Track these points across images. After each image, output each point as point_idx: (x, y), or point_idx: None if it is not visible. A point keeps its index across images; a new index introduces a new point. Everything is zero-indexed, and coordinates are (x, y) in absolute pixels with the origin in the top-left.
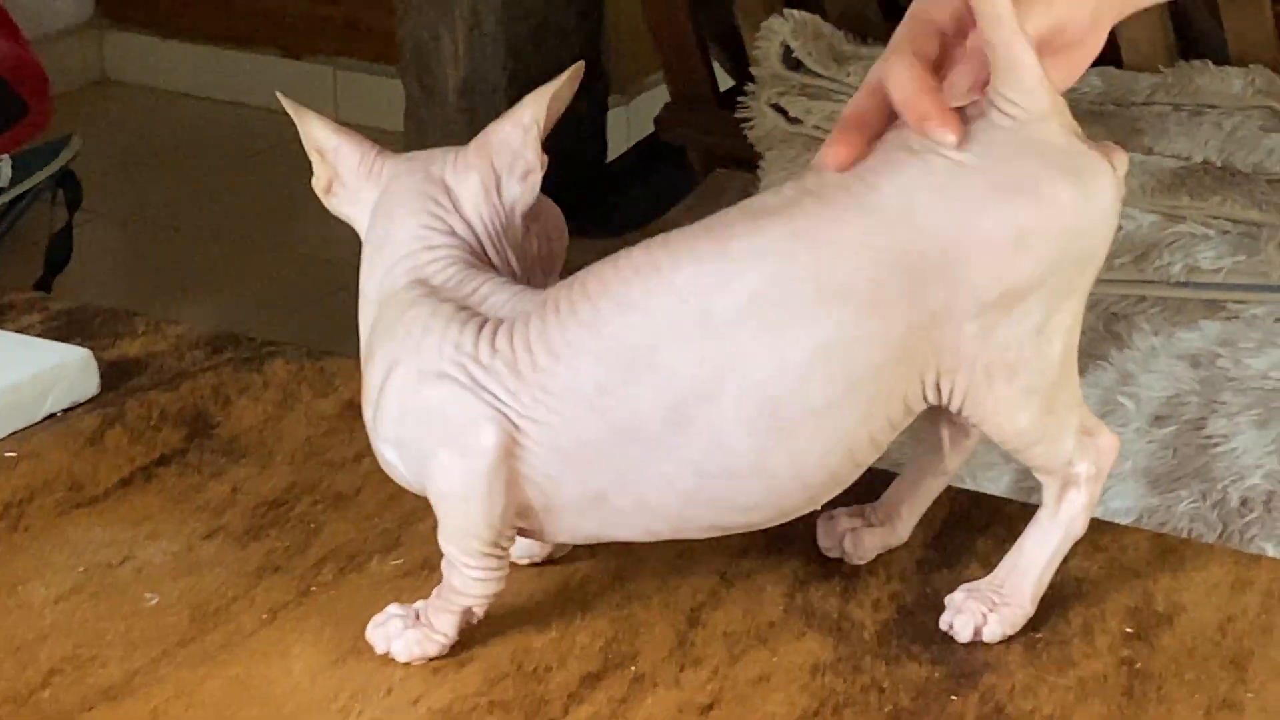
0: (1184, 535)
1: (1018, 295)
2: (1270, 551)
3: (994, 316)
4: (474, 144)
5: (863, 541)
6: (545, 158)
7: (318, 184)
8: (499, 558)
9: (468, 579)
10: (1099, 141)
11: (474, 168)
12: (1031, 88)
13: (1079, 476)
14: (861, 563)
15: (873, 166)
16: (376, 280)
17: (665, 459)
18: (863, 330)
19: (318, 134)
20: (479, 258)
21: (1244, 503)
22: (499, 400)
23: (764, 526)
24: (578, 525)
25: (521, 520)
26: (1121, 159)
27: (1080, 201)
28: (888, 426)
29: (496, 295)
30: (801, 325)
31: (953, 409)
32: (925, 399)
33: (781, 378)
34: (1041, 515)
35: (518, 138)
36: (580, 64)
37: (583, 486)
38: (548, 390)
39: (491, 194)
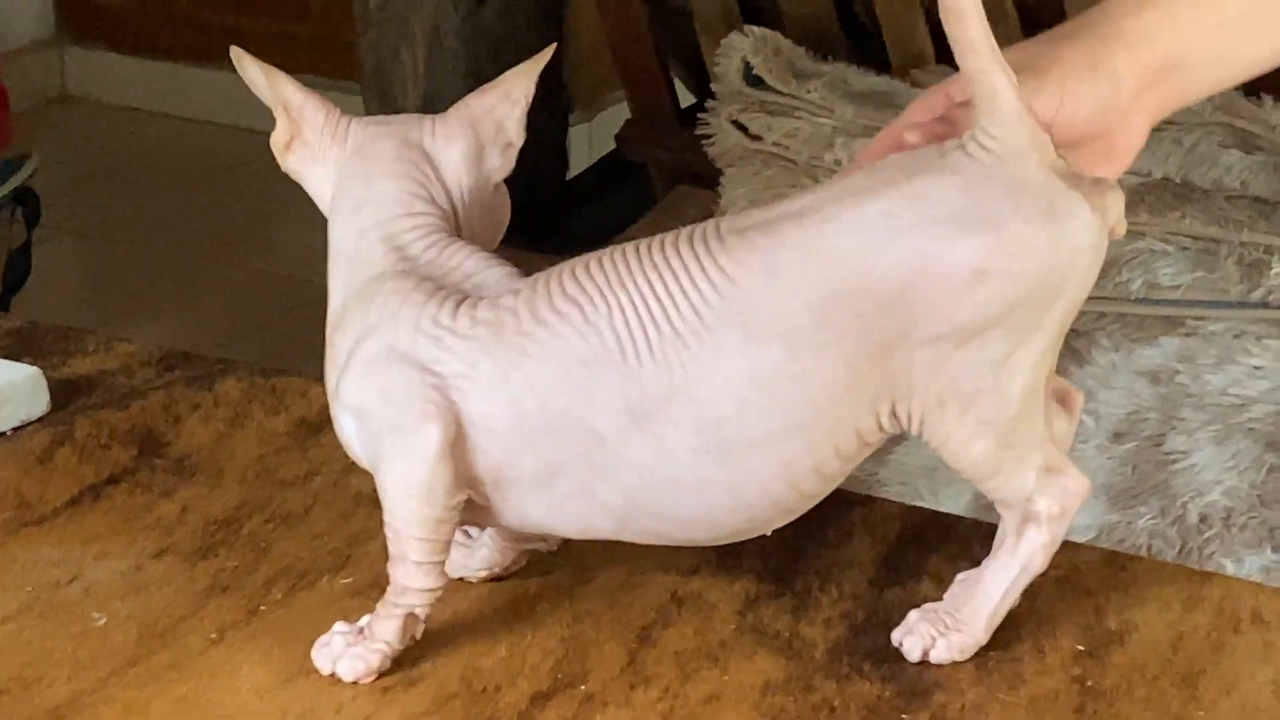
0: (1143, 551)
1: (973, 330)
2: (1229, 568)
3: (948, 347)
4: (455, 113)
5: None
6: (524, 133)
7: (277, 140)
8: (442, 544)
9: (410, 569)
10: (1096, 178)
11: (459, 136)
12: (1009, 120)
13: (1039, 514)
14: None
15: (839, 196)
16: (350, 240)
17: (617, 452)
18: (800, 367)
19: (286, 89)
20: (453, 226)
21: (1203, 519)
22: (472, 369)
23: (704, 545)
24: (524, 508)
25: (473, 494)
26: (1115, 197)
27: (1050, 242)
28: (835, 458)
29: (483, 273)
30: (741, 354)
31: (913, 433)
32: (882, 427)
33: (724, 401)
34: (1001, 547)
35: (505, 110)
36: (552, 45)
37: (535, 460)
38: (526, 353)
39: (473, 163)
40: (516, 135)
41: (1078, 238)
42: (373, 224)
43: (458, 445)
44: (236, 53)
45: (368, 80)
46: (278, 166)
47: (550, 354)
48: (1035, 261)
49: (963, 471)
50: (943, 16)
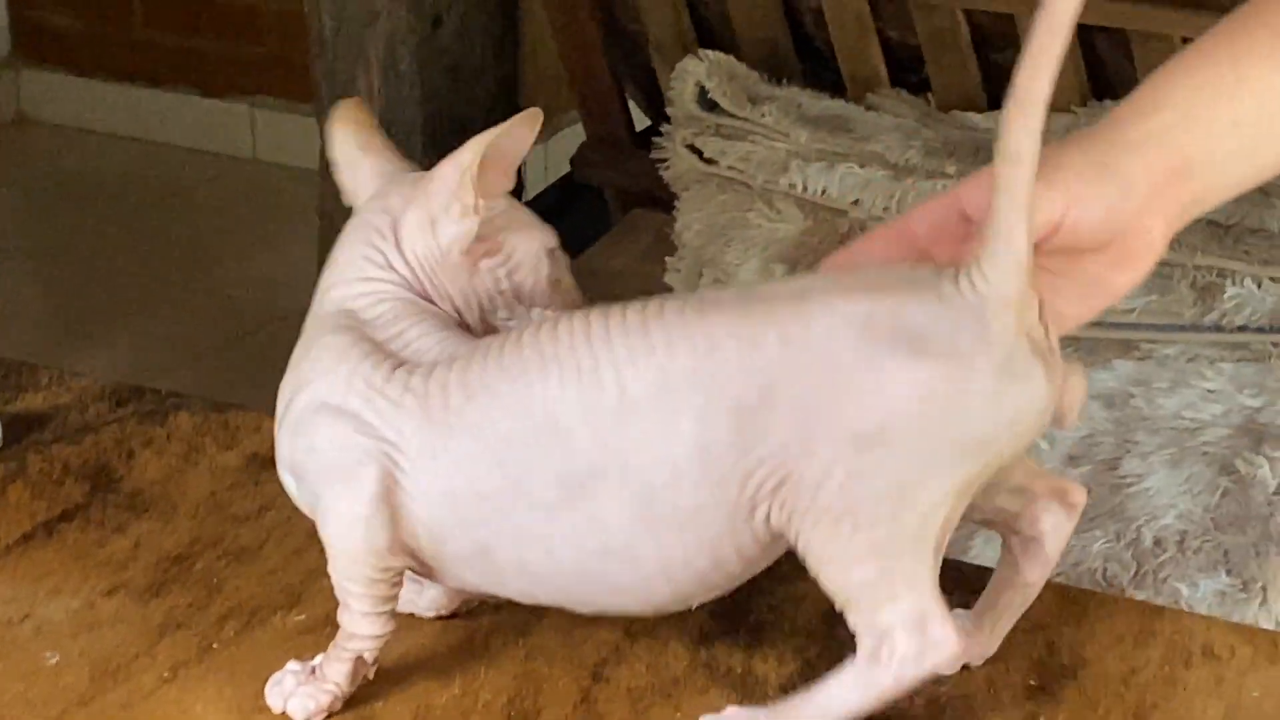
0: (1098, 575)
1: (895, 450)
2: (1184, 591)
3: (866, 460)
4: (419, 180)
5: None
6: (504, 201)
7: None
8: (385, 598)
9: (356, 617)
10: (1069, 359)
11: (413, 204)
12: (1009, 270)
13: (890, 655)
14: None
15: (812, 289)
16: (315, 300)
17: (550, 525)
18: (740, 443)
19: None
20: (418, 293)
21: (1158, 542)
22: (400, 438)
23: (639, 615)
24: (463, 575)
25: (412, 563)
26: (1078, 381)
27: (996, 397)
28: (754, 544)
29: (422, 340)
30: (687, 424)
31: (794, 544)
32: (771, 526)
33: (659, 469)
34: (846, 667)
35: (454, 178)
36: (535, 111)
37: (469, 536)
38: (453, 430)
39: (426, 232)
40: (470, 203)
41: (1024, 402)
42: (331, 282)
43: (394, 507)
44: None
45: (324, 104)
46: (231, 189)
47: (479, 434)
48: (977, 409)
49: (834, 595)
50: (997, 149)
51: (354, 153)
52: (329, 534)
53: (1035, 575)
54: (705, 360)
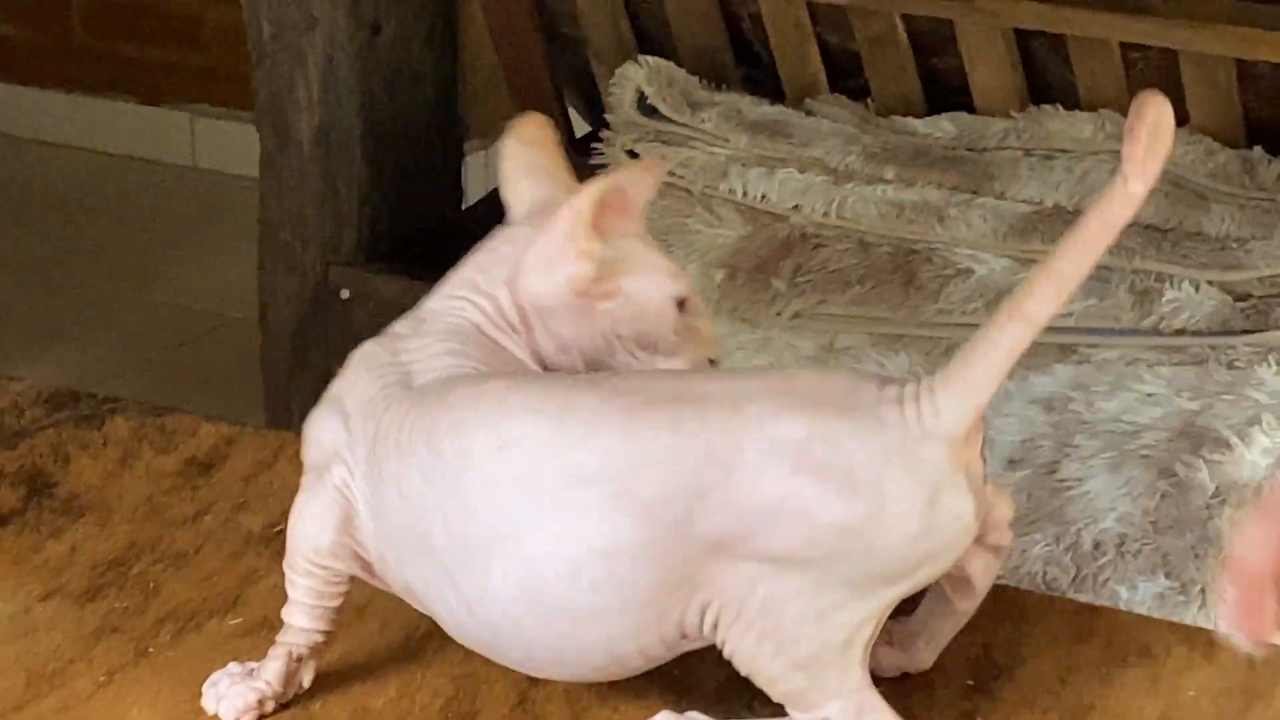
0: (1038, 579)
1: (816, 575)
2: (1123, 595)
3: (771, 583)
4: (546, 217)
5: (880, 659)
6: (634, 244)
7: None
8: (321, 593)
9: (291, 604)
10: (998, 489)
11: (535, 242)
12: (965, 410)
13: None
14: (882, 675)
15: (731, 401)
16: None
17: (449, 585)
18: (649, 548)
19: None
20: (501, 325)
21: (1097, 546)
22: (354, 461)
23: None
24: (406, 594)
25: (361, 574)
26: (1004, 507)
27: (920, 532)
28: (661, 647)
29: (421, 362)
30: (593, 523)
31: (719, 646)
32: (701, 632)
33: (554, 562)
34: None
35: (570, 220)
36: (656, 162)
37: (399, 573)
38: (381, 478)
39: (543, 271)
40: (579, 247)
41: (950, 535)
42: (435, 289)
43: (346, 516)
44: None
45: (262, 110)
46: (171, 197)
47: (399, 487)
48: (899, 546)
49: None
50: (1014, 305)
51: (516, 172)
52: (295, 506)
53: (967, 605)
54: (623, 463)
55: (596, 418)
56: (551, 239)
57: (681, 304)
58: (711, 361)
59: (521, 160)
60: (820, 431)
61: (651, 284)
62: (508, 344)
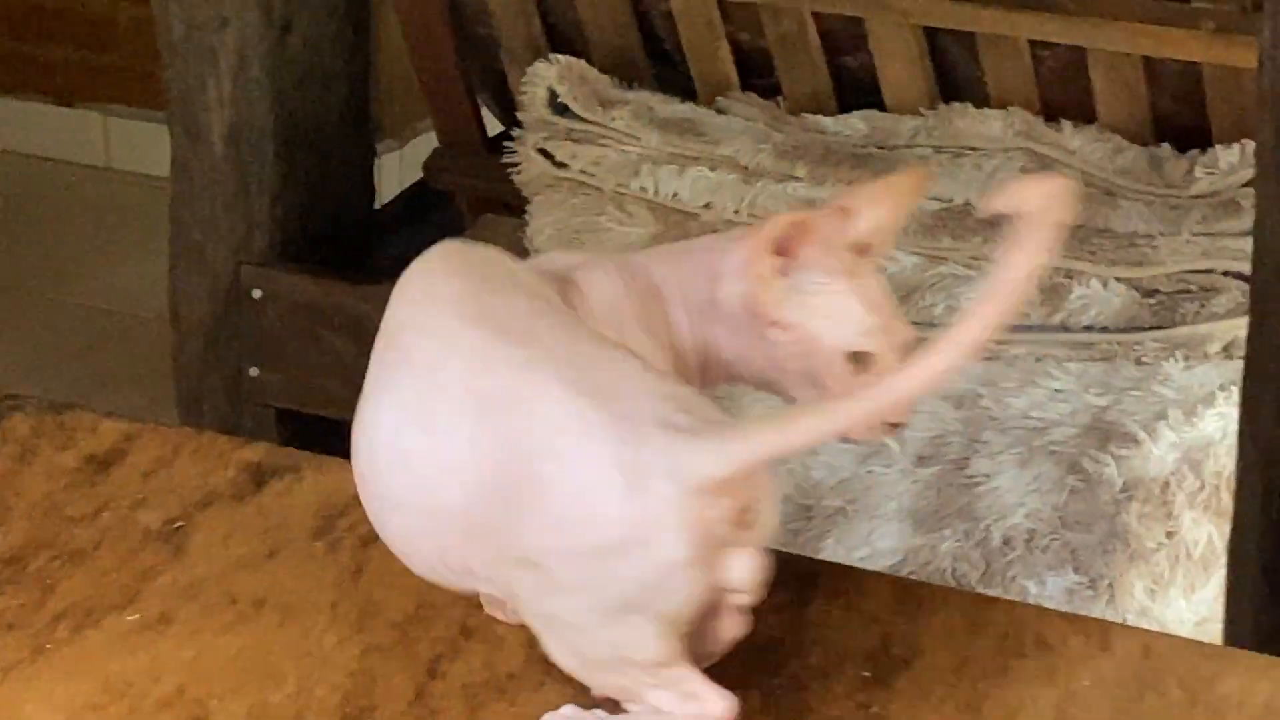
0: (947, 574)
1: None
2: (1032, 589)
3: (534, 575)
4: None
5: None
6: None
7: None
8: None
9: None
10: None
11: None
12: (722, 461)
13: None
14: None
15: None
16: None
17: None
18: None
19: None
20: (664, 296)
21: (1006, 541)
22: None
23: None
24: None
25: None
26: (747, 564)
27: (648, 556)
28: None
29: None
30: (444, 441)
31: None
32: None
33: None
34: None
35: (753, 243)
36: (919, 173)
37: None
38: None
39: (733, 279)
40: (752, 270)
41: (650, 574)
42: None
43: None
44: None
45: (174, 109)
46: (83, 198)
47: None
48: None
49: None
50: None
51: None
52: None
53: (701, 651)
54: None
55: (508, 372)
56: (740, 254)
57: (861, 358)
58: (893, 426)
59: None
60: (631, 438)
61: (828, 329)
62: (672, 317)
